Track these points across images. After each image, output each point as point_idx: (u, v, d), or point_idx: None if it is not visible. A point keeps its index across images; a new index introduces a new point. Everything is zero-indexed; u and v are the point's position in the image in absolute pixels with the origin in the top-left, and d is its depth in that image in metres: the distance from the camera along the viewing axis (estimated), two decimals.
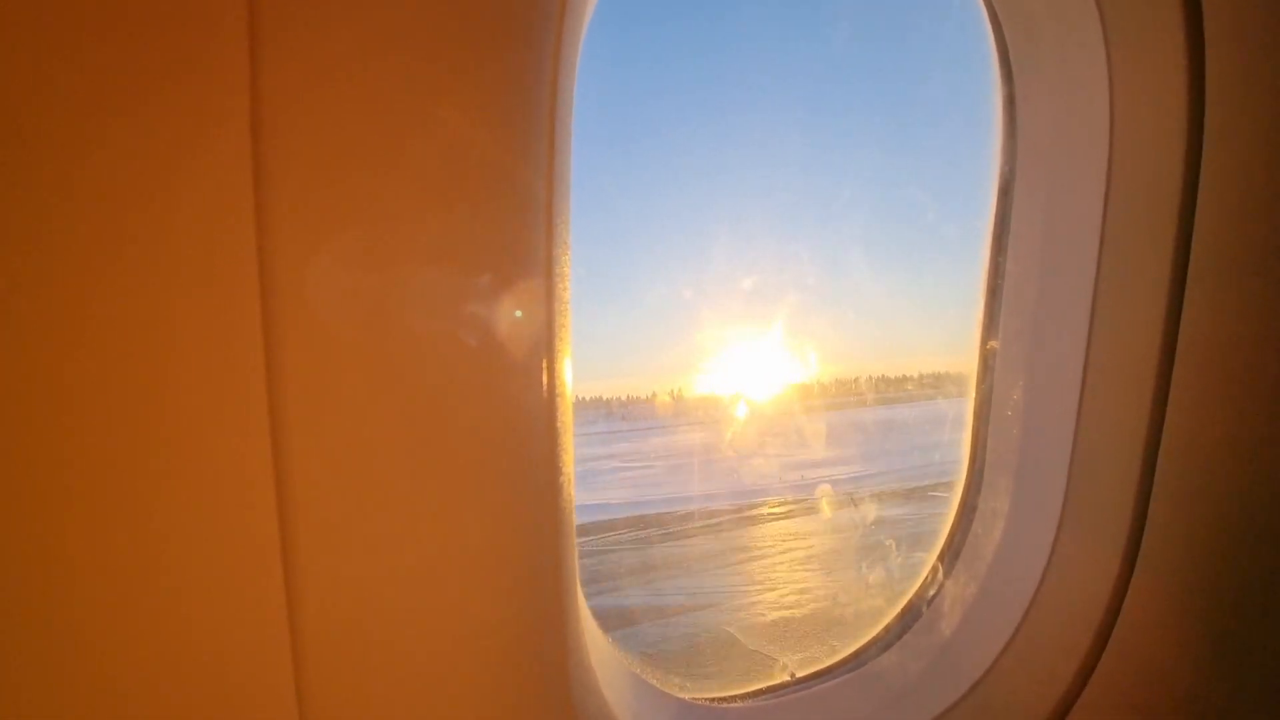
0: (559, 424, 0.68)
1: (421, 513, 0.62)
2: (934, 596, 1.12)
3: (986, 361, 1.12)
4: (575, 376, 0.73)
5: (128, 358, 0.53)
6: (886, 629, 1.11)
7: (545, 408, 0.67)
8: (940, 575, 1.14)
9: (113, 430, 0.53)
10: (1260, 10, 0.85)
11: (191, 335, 0.55)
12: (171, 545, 0.55)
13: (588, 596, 0.88)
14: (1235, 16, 0.85)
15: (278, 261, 0.56)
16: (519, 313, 0.64)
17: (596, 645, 0.86)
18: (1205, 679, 0.92)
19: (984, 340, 1.12)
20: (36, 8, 0.50)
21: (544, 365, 0.66)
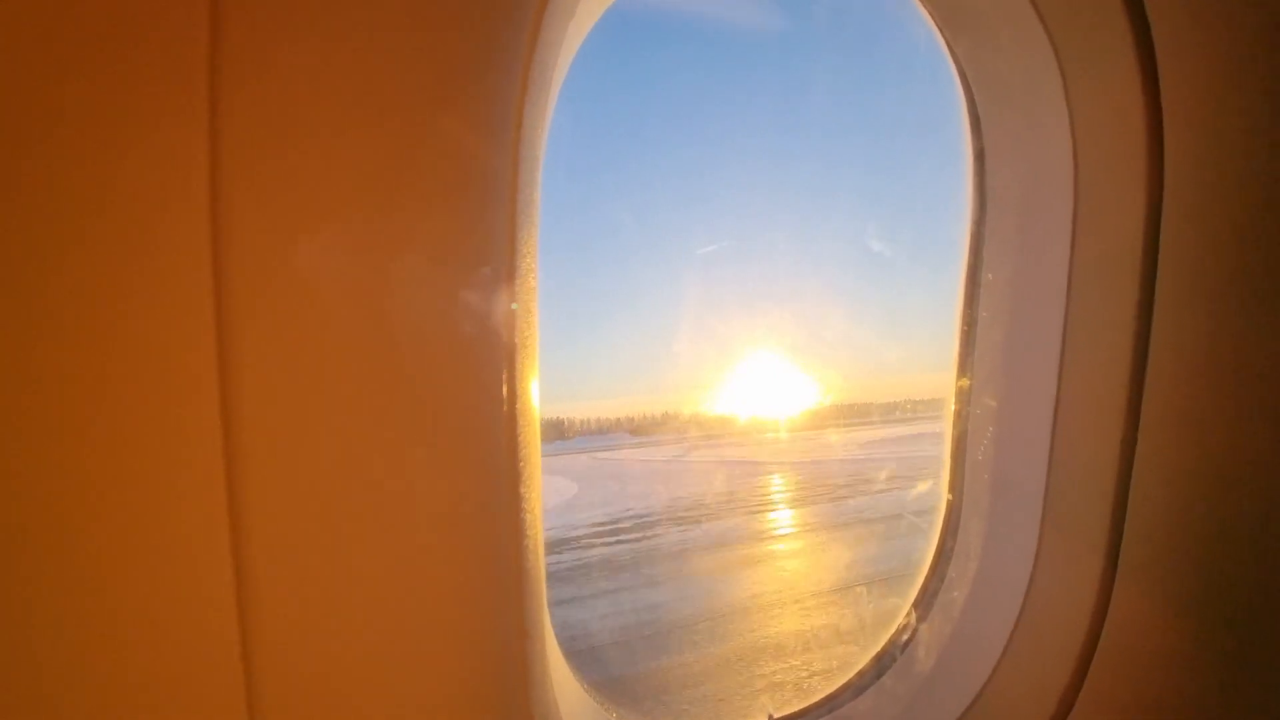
0: (520, 431, 0.68)
1: (371, 521, 0.61)
2: (910, 639, 1.13)
3: (960, 407, 1.14)
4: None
5: (78, 352, 0.53)
6: (861, 673, 1.11)
7: (505, 415, 0.66)
8: (916, 616, 1.15)
9: (60, 428, 0.53)
10: (1214, 65, 0.89)
11: (144, 334, 0.54)
12: (118, 550, 0.54)
13: None
14: (1190, 69, 0.88)
15: (230, 262, 0.55)
16: (477, 317, 0.64)
17: (559, 674, 0.87)
18: (1195, 692, 0.93)
19: (957, 386, 1.14)
20: None
21: (504, 372, 0.66)
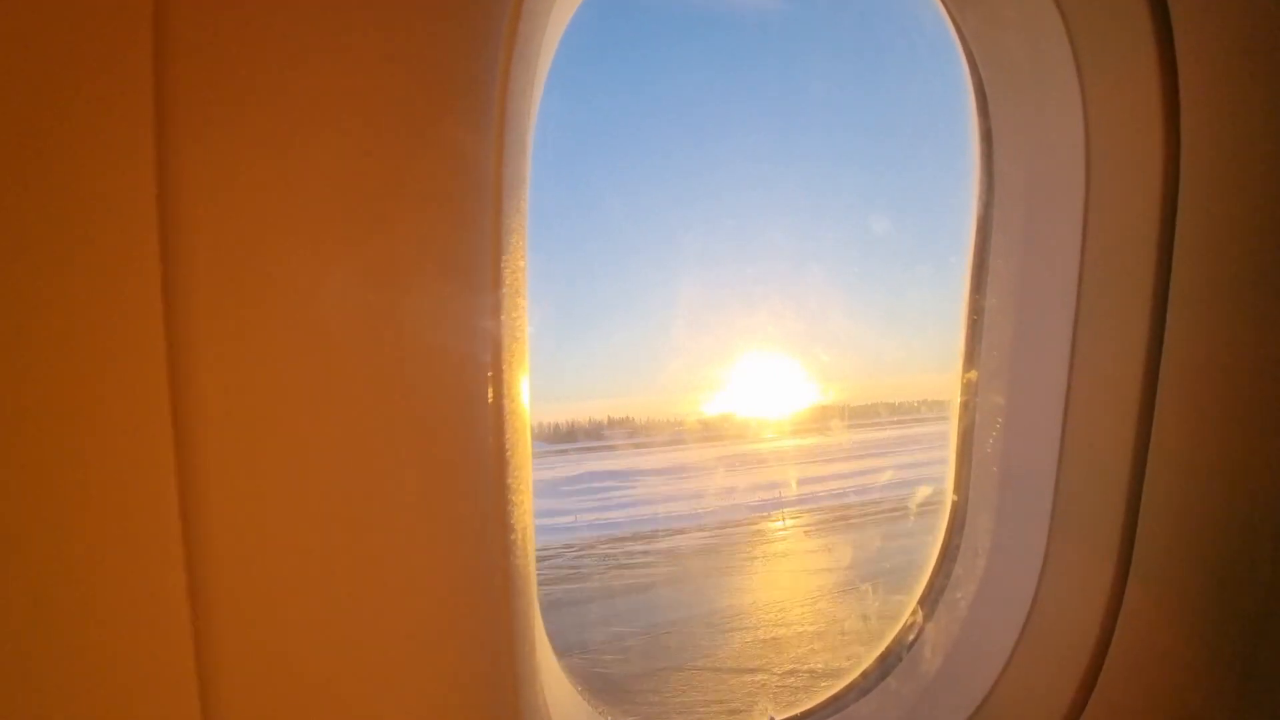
0: (507, 429, 0.66)
1: (349, 522, 0.59)
2: (915, 639, 1.10)
3: (967, 400, 1.11)
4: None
5: (24, 355, 0.51)
6: (865, 674, 1.09)
7: (492, 413, 0.65)
8: (923, 615, 1.12)
9: (6, 432, 0.51)
10: (1233, 45, 0.85)
11: (91, 334, 0.52)
12: (68, 555, 0.52)
13: None
14: (1209, 50, 0.85)
15: (189, 264, 0.53)
16: (459, 316, 0.62)
17: (551, 675, 0.85)
18: (1208, 695, 0.91)
19: (964, 379, 1.11)
20: None
21: (490, 371, 0.64)
